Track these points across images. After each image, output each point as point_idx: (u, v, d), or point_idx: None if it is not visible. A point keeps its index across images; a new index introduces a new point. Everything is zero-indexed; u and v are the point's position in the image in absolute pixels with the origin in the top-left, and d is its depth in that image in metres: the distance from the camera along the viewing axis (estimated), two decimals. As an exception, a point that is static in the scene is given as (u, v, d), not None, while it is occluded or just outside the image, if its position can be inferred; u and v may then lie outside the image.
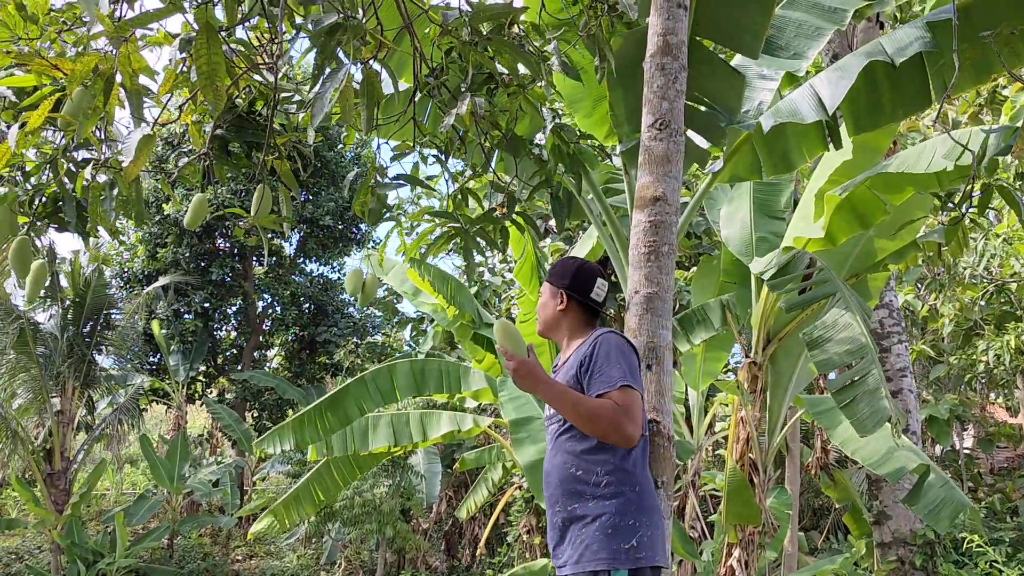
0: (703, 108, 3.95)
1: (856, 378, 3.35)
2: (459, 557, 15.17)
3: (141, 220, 2.73)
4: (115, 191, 2.58)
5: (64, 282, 15.36)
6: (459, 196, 3.88)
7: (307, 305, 19.59)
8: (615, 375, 2.56)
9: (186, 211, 15.01)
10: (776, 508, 5.88)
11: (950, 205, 3.30)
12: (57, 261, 15.34)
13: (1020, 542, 12.56)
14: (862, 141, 4.57)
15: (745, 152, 4.30)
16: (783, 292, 4.20)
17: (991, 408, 20.09)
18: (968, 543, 9.71)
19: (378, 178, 3.55)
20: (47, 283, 14.50)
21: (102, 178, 3.02)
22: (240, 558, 16.01)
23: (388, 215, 3.82)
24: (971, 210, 3.15)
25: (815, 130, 4.06)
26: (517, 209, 4.00)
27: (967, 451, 17.73)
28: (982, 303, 11.86)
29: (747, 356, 5.59)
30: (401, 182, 3.40)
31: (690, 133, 4.25)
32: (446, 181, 3.92)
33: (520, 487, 8.61)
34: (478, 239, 4.00)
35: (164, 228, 18.08)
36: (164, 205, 17.79)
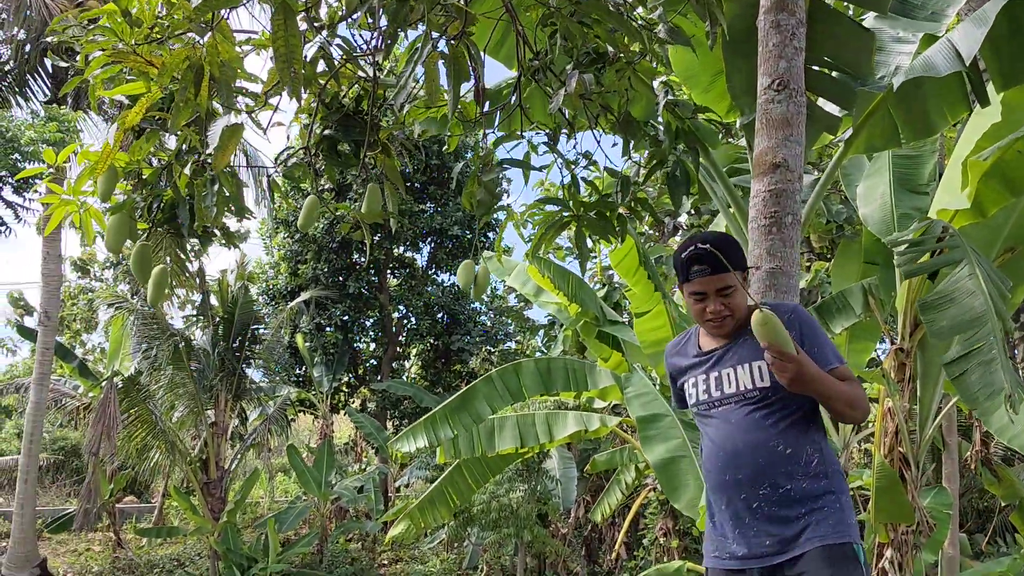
0: (830, 72, 3.67)
1: (971, 348, 3.02)
2: (599, 562, 14.99)
3: (242, 215, 2.75)
4: (216, 187, 2.61)
5: (214, 300, 16.23)
6: (572, 184, 3.77)
7: (440, 315, 19.92)
8: (836, 352, 2.52)
9: (323, 227, 15.43)
10: (933, 507, 5.46)
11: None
12: (208, 281, 16.24)
13: None
14: (1011, 99, 4.16)
15: (880, 118, 3.97)
16: (911, 263, 3.86)
17: None
18: None
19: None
20: (192, 297, 15.17)
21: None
22: (385, 562, 16.38)
23: (499, 207, 3.75)
24: None
25: (955, 87, 3.70)
26: (634, 195, 3.85)
27: None
28: None
29: (893, 343, 5.20)
30: (507, 167, 3.31)
31: (819, 101, 3.98)
32: (559, 169, 3.82)
33: (654, 488, 8.37)
34: (594, 227, 3.87)
35: (304, 246, 18.80)
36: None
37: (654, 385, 6.50)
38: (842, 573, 2.28)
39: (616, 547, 11.21)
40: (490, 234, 19.47)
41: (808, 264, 10.39)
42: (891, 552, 4.91)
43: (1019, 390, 2.81)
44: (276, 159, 3.19)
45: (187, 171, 3.03)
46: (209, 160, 2.89)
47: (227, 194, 2.90)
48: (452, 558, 16.00)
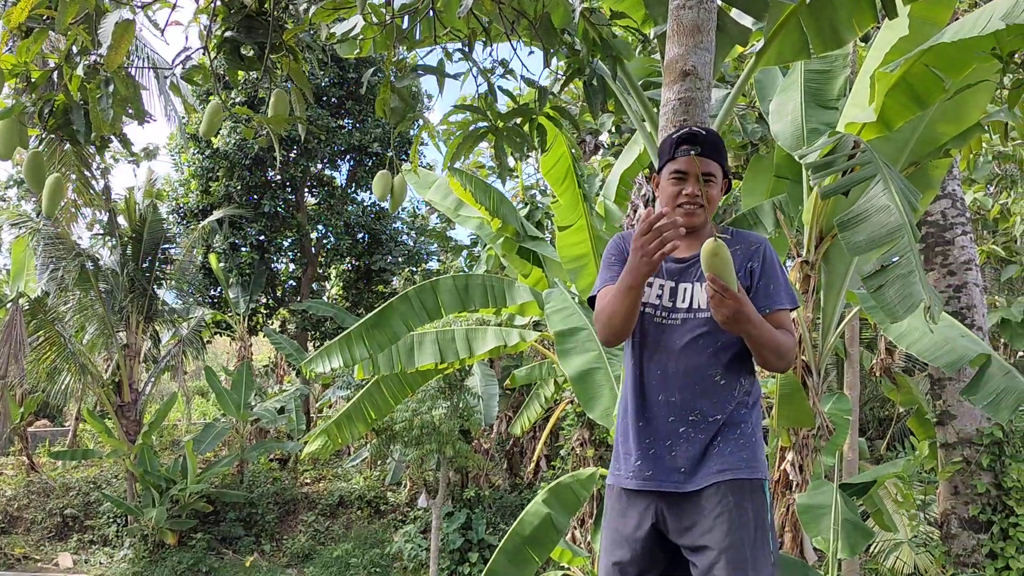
0: (742, -18, 3.66)
1: (889, 262, 3.12)
2: (520, 474, 15.38)
3: (141, 118, 2.62)
4: (111, 89, 2.47)
5: (122, 220, 15.68)
6: (489, 92, 3.69)
7: (361, 235, 19.66)
8: (791, 293, 2.44)
9: (235, 143, 14.87)
10: (834, 413, 5.71)
11: (1013, 66, 3.00)
12: (113, 198, 15.63)
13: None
14: (919, 13, 4.22)
15: (791, 29, 3.99)
16: (825, 179, 3.94)
17: (1067, 313, 19.37)
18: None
19: (397, 73, 3.39)
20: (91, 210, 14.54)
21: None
22: (308, 481, 16.46)
23: (412, 114, 3.66)
24: (1038, 69, 2.85)
25: (865, -1, 3.74)
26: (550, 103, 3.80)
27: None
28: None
29: (799, 256, 5.35)
30: (420, 73, 3.22)
31: (732, 12, 3.97)
32: (475, 79, 3.74)
33: (572, 401, 8.56)
34: (512, 138, 3.82)
35: (215, 162, 18.20)
36: (213, 139, 17.87)
37: (574, 300, 6.57)
38: (747, 503, 2.30)
39: (535, 459, 11.48)
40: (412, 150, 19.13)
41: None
42: (792, 455, 5.13)
43: (937, 302, 2.92)
44: (174, 61, 3.03)
45: (79, 73, 2.86)
46: (101, 60, 2.73)
47: (123, 96, 2.75)
48: (375, 475, 16.18)
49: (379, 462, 16.08)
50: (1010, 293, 14.31)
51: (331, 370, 6.03)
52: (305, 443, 16.83)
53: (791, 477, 5.30)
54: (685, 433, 2.37)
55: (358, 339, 5.99)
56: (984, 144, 10.98)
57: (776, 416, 5.07)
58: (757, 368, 2.47)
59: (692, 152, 2.38)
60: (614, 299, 2.30)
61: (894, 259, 3.07)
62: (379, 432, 12.57)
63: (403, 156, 19.30)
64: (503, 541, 4.97)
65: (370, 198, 20.23)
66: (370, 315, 6.05)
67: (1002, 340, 13.02)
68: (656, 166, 2.52)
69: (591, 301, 2.56)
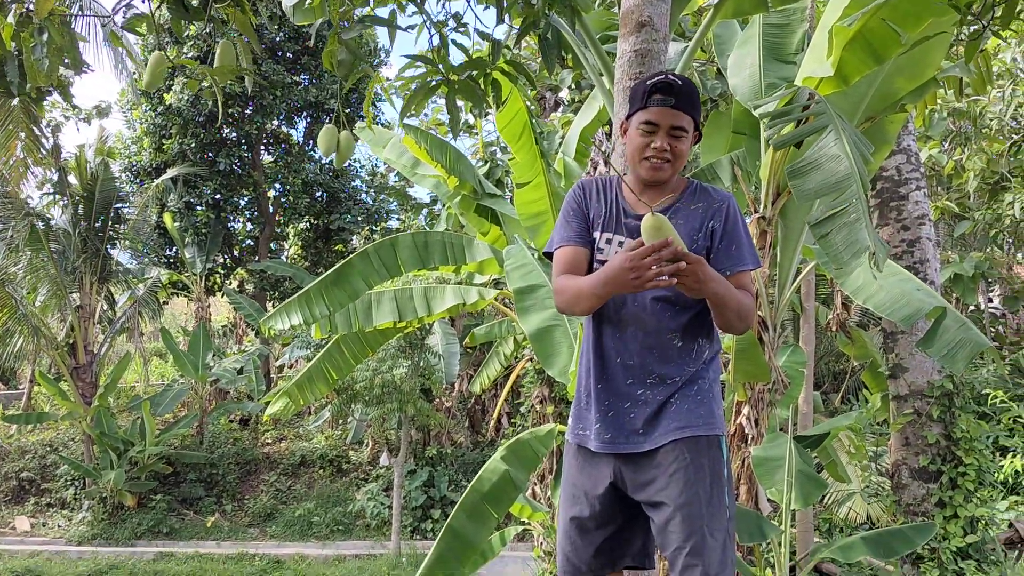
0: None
1: (836, 209, 3.13)
2: (482, 432, 15.47)
3: (78, 68, 2.51)
4: (45, 37, 2.36)
5: (73, 179, 15.29)
6: (442, 45, 3.61)
7: (319, 193, 19.40)
8: (753, 254, 2.40)
9: (188, 99, 14.48)
10: (788, 366, 5.77)
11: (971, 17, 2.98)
12: (63, 157, 15.23)
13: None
14: (878, -33, 4.19)
15: (749, -18, 3.95)
16: (780, 131, 3.93)
17: (1018, 268, 19.81)
18: (992, 399, 9.69)
19: (344, 24, 3.29)
20: (55, 179, 14.28)
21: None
22: (270, 442, 16.41)
23: (362, 68, 3.57)
24: (993, 20, 2.84)
25: (823, -49, 3.70)
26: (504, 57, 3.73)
27: (992, 310, 17.58)
28: (1009, 156, 11.42)
29: (756, 211, 5.36)
30: (367, 23, 3.13)
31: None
32: (428, 30, 3.65)
33: (531, 359, 8.58)
34: (465, 91, 3.75)
35: (168, 119, 17.78)
36: (165, 95, 17.44)
37: (533, 257, 6.55)
38: (703, 459, 2.29)
39: (495, 416, 11.53)
40: (370, 108, 18.82)
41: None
42: (748, 409, 5.19)
43: (881, 249, 2.93)
44: (114, 9, 2.91)
45: (11, 21, 2.73)
46: (33, 7, 2.61)
47: (58, 45, 2.63)
48: (337, 434, 16.17)
49: (341, 421, 16.07)
50: (963, 249, 14.59)
51: (290, 328, 5.95)
52: (266, 404, 16.80)
53: (747, 431, 5.37)
54: (643, 395, 2.36)
55: (317, 297, 5.92)
56: (939, 101, 11.08)
57: (732, 371, 5.11)
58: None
59: (666, 104, 2.30)
60: (584, 294, 2.25)
61: (843, 207, 3.07)
62: (340, 392, 12.53)
63: (360, 115, 19.00)
64: (462, 498, 4.99)
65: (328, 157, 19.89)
66: (329, 272, 5.97)
67: (954, 295, 13.30)
68: (614, 120, 2.47)
69: (548, 255, 2.52)
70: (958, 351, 3.78)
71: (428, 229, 18.12)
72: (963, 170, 11.95)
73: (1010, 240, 17.06)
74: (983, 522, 5.24)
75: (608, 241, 2.40)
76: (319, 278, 5.98)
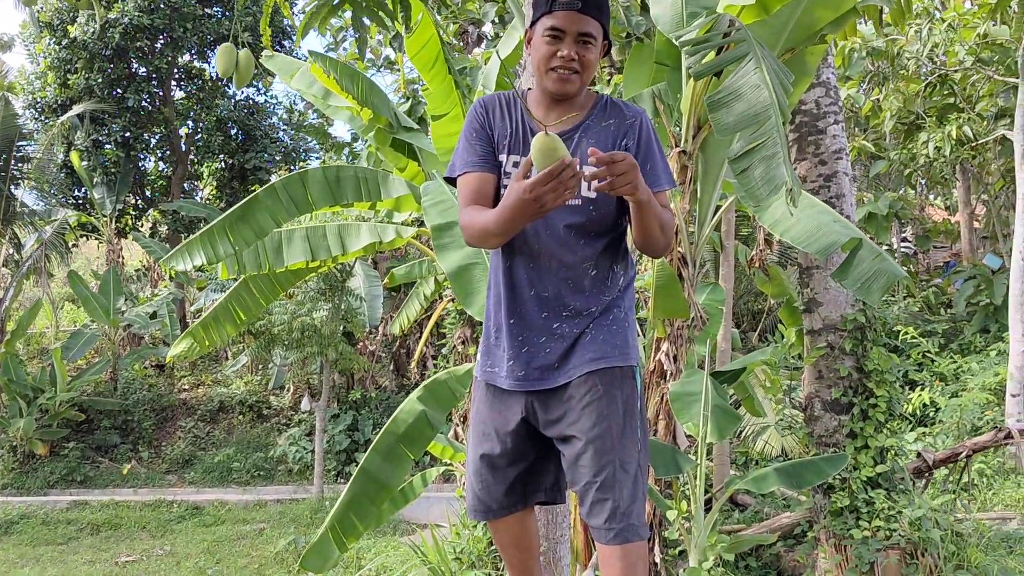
0: None
1: (755, 144, 3.04)
2: (408, 375, 15.34)
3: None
4: None
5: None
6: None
7: (234, 131, 18.71)
8: (669, 173, 2.21)
9: (94, 32, 13.64)
10: (708, 303, 5.76)
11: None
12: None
13: (952, 334, 12.99)
14: None
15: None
16: (699, 62, 3.81)
17: (930, 209, 20.39)
18: (904, 335, 9.97)
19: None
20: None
21: None
22: (187, 387, 16.02)
23: None
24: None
25: None
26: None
27: (905, 249, 18.10)
28: (924, 96, 11.62)
29: (676, 145, 5.26)
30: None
31: None
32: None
33: (453, 299, 8.44)
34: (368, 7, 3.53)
35: (73, 52, 16.85)
36: (69, 27, 16.48)
37: (451, 192, 6.35)
38: (616, 391, 2.18)
39: (416, 358, 11.42)
40: (286, 42, 18.15)
41: (609, 77, 10.37)
42: (667, 345, 5.15)
43: (797, 185, 2.85)
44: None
45: None
46: None
47: None
48: (257, 380, 15.87)
49: (261, 366, 15.76)
50: (878, 189, 14.88)
51: (193, 268, 5.67)
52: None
53: (666, 367, 5.34)
54: (559, 329, 2.22)
55: (221, 234, 5.63)
56: (858, 40, 11.15)
57: (652, 308, 5.06)
58: (632, 249, 2.33)
59: (572, 7, 2.09)
60: (491, 231, 2.04)
61: (761, 141, 2.98)
62: (257, 335, 12.24)
63: (279, 48, 18.30)
64: (375, 440, 4.86)
65: (243, 92, 19.21)
66: (234, 208, 5.68)
67: (868, 234, 13.58)
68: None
69: (451, 181, 2.33)
70: (873, 282, 3.76)
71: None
72: (880, 110, 12.11)
73: (923, 181, 17.52)
74: (892, 452, 5.35)
75: (515, 164, 2.20)
76: (224, 214, 5.70)
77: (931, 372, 11.25)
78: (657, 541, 5.01)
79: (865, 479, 5.20)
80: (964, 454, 6.11)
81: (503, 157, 2.24)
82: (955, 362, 11.07)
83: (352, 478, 4.83)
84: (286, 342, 11.94)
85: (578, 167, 1.86)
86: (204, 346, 6.56)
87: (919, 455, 6.12)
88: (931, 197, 20.78)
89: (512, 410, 2.31)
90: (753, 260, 5.97)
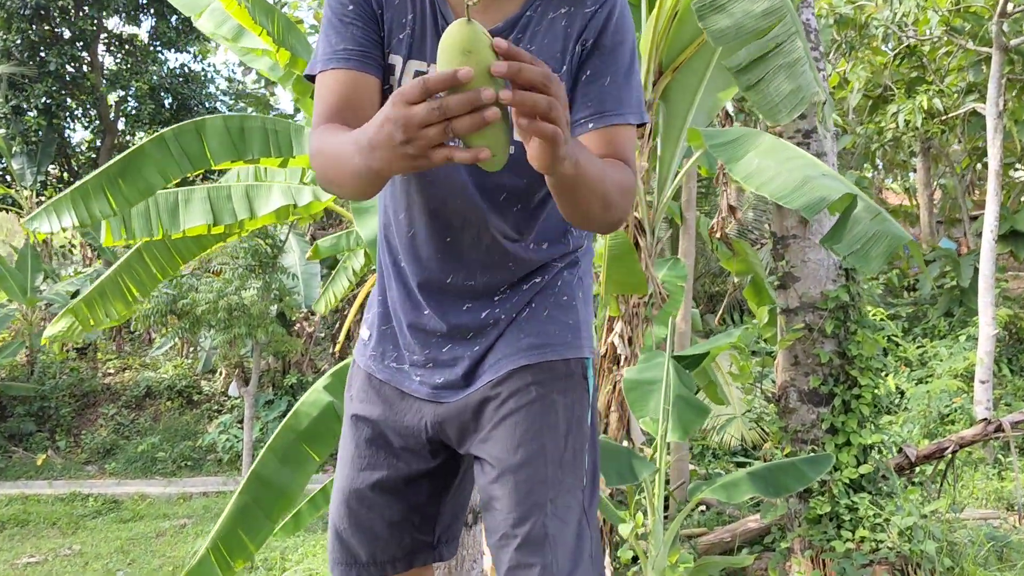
0: None
1: (769, 48, 2.33)
2: (348, 356, 14.48)
3: None
4: None
5: None
6: None
7: (168, 100, 17.60)
8: (640, 101, 1.43)
9: None
10: (668, 280, 5.02)
11: None
12: None
13: (916, 317, 12.49)
14: None
15: None
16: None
17: (886, 193, 19.98)
18: (873, 316, 9.36)
19: None
20: None
21: None
22: (111, 372, 14.97)
23: None
24: None
25: None
26: None
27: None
28: (893, 67, 11.01)
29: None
30: None
31: None
32: None
33: (383, 273, 7.61)
34: None
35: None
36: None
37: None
38: (557, 395, 1.44)
39: (340, 340, 10.59)
40: None
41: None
42: (621, 325, 4.42)
43: (830, 100, 2.16)
44: None
45: None
46: None
47: None
48: (187, 363, 14.87)
49: (192, 349, 14.77)
50: (842, 167, 14.32)
51: (61, 230, 4.78)
52: (115, 330, 15.25)
53: (619, 351, 4.61)
54: (489, 316, 1.51)
55: (97, 192, 4.74)
56: (825, 6, 10.51)
57: (604, 282, 4.30)
58: None
59: None
60: (347, 171, 1.18)
61: (778, 44, 2.23)
62: (181, 315, 11.28)
63: None
64: (271, 438, 4.04)
65: (176, 59, 18.14)
66: (114, 161, 4.79)
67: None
68: None
69: (310, 79, 1.50)
70: (872, 247, 3.04)
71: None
72: (847, 83, 11.51)
73: (880, 163, 17.05)
74: (877, 450, 4.67)
75: (419, 74, 1.37)
76: (100, 168, 4.81)
77: (896, 357, 10.71)
78: (608, 557, 4.27)
79: (847, 481, 4.51)
80: (950, 449, 5.48)
81: (396, 61, 1.42)
82: (922, 347, 10.54)
83: (241, 485, 4.01)
84: (212, 323, 11.00)
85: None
86: (87, 325, 5.65)
87: (900, 450, 5.48)
88: (888, 181, 20.39)
89: (414, 416, 1.54)
90: (714, 229, 5.23)
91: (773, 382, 5.74)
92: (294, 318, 13.03)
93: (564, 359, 1.46)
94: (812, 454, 4.40)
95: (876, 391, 4.66)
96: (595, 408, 1.56)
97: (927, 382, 9.61)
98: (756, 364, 5.56)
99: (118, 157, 4.84)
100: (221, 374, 14.39)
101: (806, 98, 2.32)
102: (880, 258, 2.98)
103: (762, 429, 7.58)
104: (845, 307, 4.75)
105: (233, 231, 5.78)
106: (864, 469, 4.55)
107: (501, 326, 1.48)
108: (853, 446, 4.57)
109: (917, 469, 5.68)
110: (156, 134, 4.94)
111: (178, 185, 5.61)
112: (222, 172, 7.52)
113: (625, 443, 4.88)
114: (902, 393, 9.86)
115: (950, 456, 5.50)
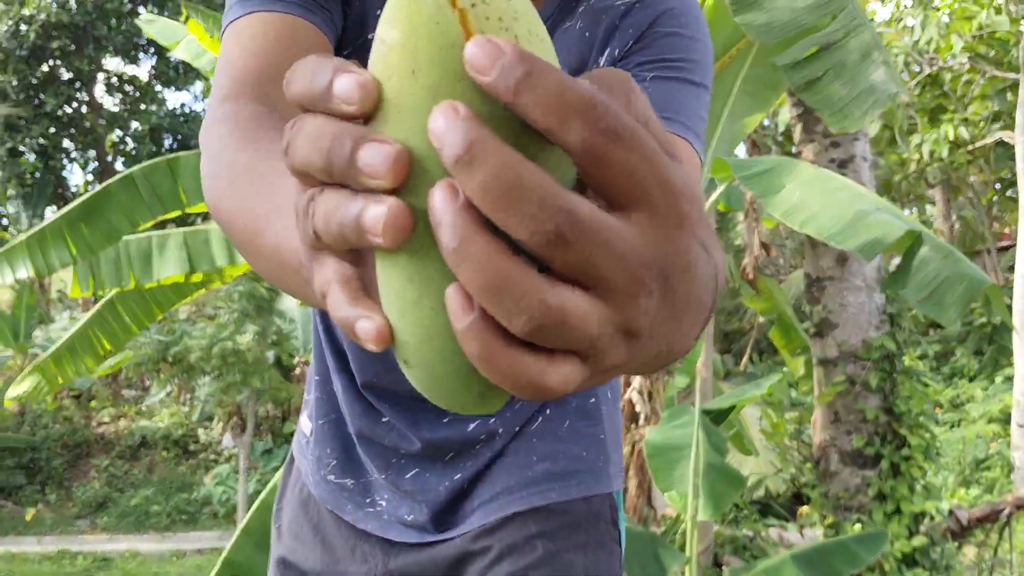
0: None
1: (829, 41, 1.88)
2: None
3: None
4: None
5: None
6: None
7: (168, 140, 17.35)
8: (702, 120, 0.92)
9: (7, 29, 12.22)
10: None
11: None
12: None
13: (944, 356, 11.92)
14: None
15: None
16: None
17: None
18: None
19: None
20: None
21: None
22: (106, 420, 14.46)
23: None
24: None
25: None
26: None
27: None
28: (915, 99, 10.58)
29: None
30: None
31: None
32: None
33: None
34: None
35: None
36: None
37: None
38: (575, 552, 0.96)
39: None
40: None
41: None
42: (639, 379, 3.91)
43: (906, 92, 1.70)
44: None
45: None
46: None
47: None
48: (183, 411, 14.37)
49: (188, 396, 14.29)
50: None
51: (15, 281, 4.32)
52: (111, 377, 14.78)
53: (637, 408, 4.10)
54: (475, 431, 1.05)
55: (56, 238, 4.30)
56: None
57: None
58: None
59: None
60: (258, 250, 0.58)
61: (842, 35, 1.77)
62: (174, 362, 10.83)
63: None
64: (247, 518, 3.52)
65: (178, 99, 17.95)
66: (73, 205, 4.33)
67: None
68: None
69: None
70: (946, 292, 2.55)
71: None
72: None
73: (895, 195, 16.58)
74: (931, 517, 4.13)
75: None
76: (59, 213, 4.36)
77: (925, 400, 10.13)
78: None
79: (899, 556, 3.96)
80: (1006, 512, 4.91)
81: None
82: (955, 387, 9.97)
83: (215, 570, 3.49)
84: (205, 370, 10.53)
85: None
86: (55, 384, 5.19)
87: (951, 513, 4.92)
88: (905, 212, 19.92)
89: (359, 566, 1.04)
90: (746, 271, 4.74)
91: (809, 438, 5.21)
92: (293, 363, 12.53)
93: (586, 497, 0.97)
94: (862, 531, 3.85)
95: (927, 451, 4.13)
96: (622, 547, 1.05)
97: (960, 426, 9.05)
98: (790, 420, 5.03)
99: (79, 199, 4.39)
100: (218, 421, 13.90)
101: (881, 98, 1.87)
102: (957, 305, 2.49)
103: (795, 482, 6.98)
104: (891, 357, 4.24)
105: (212, 279, 5.32)
106: (917, 541, 4.00)
107: (498, 443, 0.99)
108: (904, 515, 4.03)
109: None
110: (123, 174, 4.49)
111: (156, 228, 5.18)
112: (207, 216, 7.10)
113: (646, 510, 4.36)
114: (933, 437, 9.29)
115: (1006, 519, 4.94)
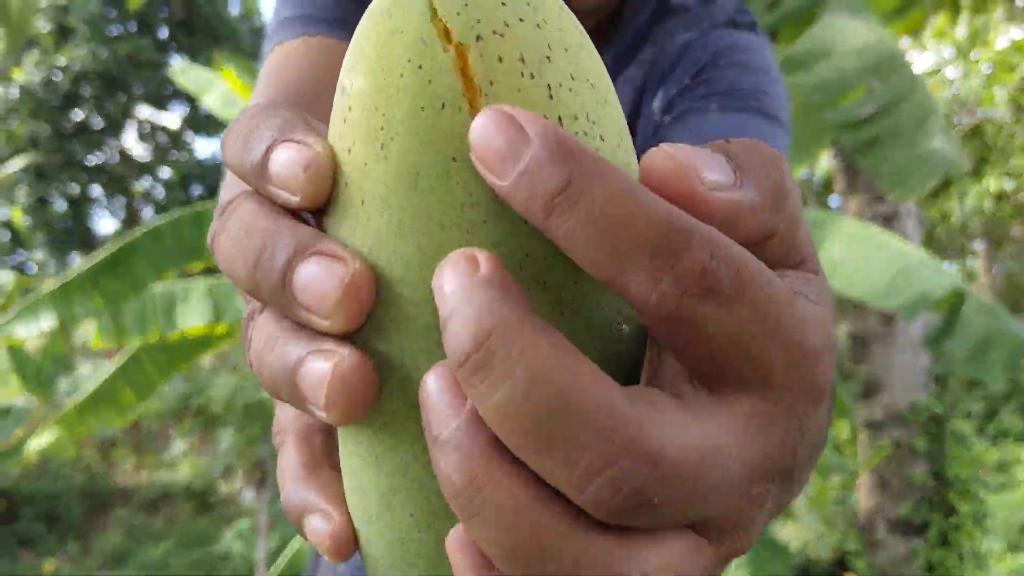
0: None
1: (883, 103, 1.76)
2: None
3: None
4: None
5: None
6: None
7: (198, 189, 17.52)
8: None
9: (42, 79, 12.48)
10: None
11: None
12: None
13: (987, 415, 11.55)
14: None
15: None
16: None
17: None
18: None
19: None
20: None
21: None
22: (128, 469, 14.39)
23: None
24: None
25: None
26: None
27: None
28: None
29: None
30: None
31: None
32: None
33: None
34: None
35: (19, 100, 15.61)
36: (13, 70, 15.33)
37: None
38: None
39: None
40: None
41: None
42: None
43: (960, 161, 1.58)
44: None
45: None
46: None
47: None
48: (205, 463, 14.25)
49: (210, 448, 14.19)
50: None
51: (39, 334, 4.25)
52: (133, 426, 14.72)
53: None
54: None
55: (80, 290, 4.24)
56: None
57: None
58: None
59: None
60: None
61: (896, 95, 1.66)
62: (197, 414, 10.73)
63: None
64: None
65: (208, 148, 18.17)
66: (99, 256, 4.28)
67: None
68: None
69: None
70: (990, 352, 2.40)
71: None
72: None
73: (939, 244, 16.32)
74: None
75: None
76: (85, 264, 4.31)
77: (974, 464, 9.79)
78: None
79: (954, 633, 3.74)
80: (1063, 584, 4.64)
81: None
82: (1000, 449, 9.63)
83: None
84: (228, 422, 10.42)
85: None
86: (80, 436, 5.12)
87: (1004, 584, 4.66)
88: (945, 266, 19.62)
89: None
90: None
91: (855, 502, 4.99)
92: (316, 415, 12.43)
93: None
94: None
95: (977, 518, 3.91)
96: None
97: (1007, 489, 8.71)
98: (834, 486, 4.82)
99: (105, 250, 4.34)
100: (240, 475, 13.76)
101: (935, 168, 1.75)
102: (1002, 364, 2.33)
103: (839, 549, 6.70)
104: (939, 419, 4.05)
105: (236, 330, 5.23)
106: (972, 616, 3.78)
107: None
108: (957, 588, 3.81)
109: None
110: (150, 226, 4.44)
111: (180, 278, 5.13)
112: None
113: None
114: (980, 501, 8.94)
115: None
